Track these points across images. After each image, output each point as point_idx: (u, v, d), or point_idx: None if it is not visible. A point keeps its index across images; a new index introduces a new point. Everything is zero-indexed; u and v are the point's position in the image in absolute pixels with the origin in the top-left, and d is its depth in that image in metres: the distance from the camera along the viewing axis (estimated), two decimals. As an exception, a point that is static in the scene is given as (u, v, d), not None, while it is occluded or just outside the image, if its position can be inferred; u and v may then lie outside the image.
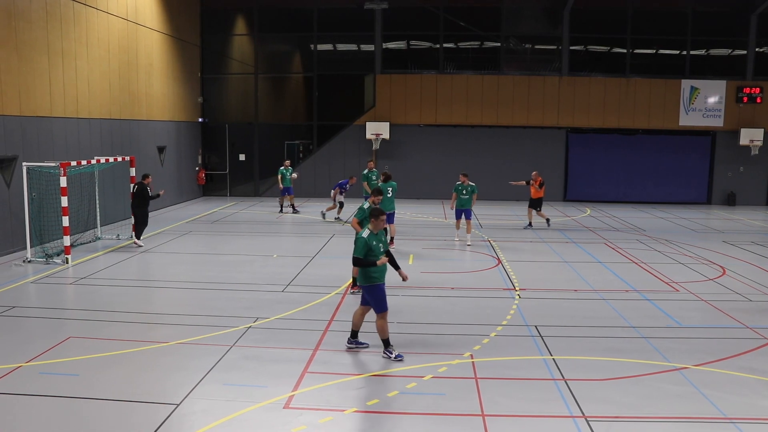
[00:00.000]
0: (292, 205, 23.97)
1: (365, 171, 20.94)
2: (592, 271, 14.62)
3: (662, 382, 8.19)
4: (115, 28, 20.91)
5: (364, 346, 9.25)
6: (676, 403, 7.60)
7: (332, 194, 21.62)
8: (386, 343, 8.95)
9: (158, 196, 17.81)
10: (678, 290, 13.01)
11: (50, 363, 8.63)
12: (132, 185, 17.55)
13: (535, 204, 20.72)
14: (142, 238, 17.20)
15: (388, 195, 16.63)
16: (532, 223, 20.74)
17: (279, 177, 23.55)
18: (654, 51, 29.51)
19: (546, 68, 28.79)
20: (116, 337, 9.75)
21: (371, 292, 8.91)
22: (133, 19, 22.05)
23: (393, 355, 8.85)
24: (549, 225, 20.80)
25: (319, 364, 8.69)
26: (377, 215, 9.02)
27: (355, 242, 8.96)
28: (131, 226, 18.08)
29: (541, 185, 20.60)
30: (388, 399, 7.61)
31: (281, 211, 24.00)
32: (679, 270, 14.90)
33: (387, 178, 17.13)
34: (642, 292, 12.77)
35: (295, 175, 23.67)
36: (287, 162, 24.28)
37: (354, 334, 9.29)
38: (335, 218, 21.77)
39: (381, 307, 8.89)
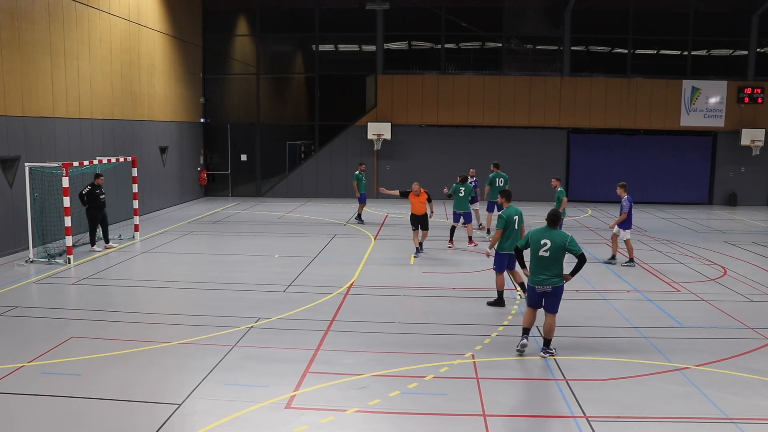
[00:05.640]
0: (359, 214, 21.91)
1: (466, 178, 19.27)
2: (593, 271, 14.62)
3: (663, 382, 8.20)
4: (117, 28, 20.94)
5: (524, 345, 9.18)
6: (677, 403, 7.61)
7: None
8: (549, 343, 9.14)
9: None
10: (679, 290, 13.02)
11: (52, 363, 8.66)
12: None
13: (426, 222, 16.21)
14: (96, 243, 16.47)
15: (460, 195, 17.44)
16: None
17: (355, 183, 21.57)
18: (655, 51, 29.52)
19: (547, 69, 28.79)
20: (118, 337, 9.78)
21: (561, 292, 9.05)
22: (135, 20, 22.08)
23: (554, 350, 9.12)
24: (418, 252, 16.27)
25: (320, 364, 8.71)
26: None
27: (572, 242, 8.94)
28: (134, 227, 18.21)
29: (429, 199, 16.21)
30: (389, 399, 7.63)
31: (359, 220, 21.74)
32: (681, 270, 14.91)
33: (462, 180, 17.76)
34: (643, 292, 12.78)
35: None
36: (362, 166, 22.17)
37: (526, 331, 9.25)
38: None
39: (558, 308, 9.09)
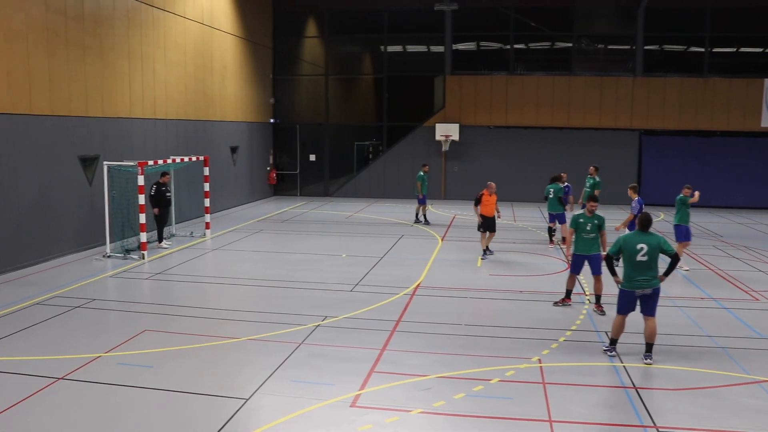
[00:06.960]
0: (425, 215, 21.69)
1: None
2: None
3: (740, 395, 7.88)
4: (192, 32, 21.54)
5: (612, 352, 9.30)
6: (755, 417, 7.29)
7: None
8: (651, 347, 9.12)
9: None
10: (758, 299, 12.48)
11: (127, 354, 8.97)
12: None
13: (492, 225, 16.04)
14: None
15: (550, 196, 17.37)
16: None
17: (419, 184, 21.09)
18: (734, 49, 28.40)
19: (619, 69, 28.11)
20: (188, 331, 10.05)
21: (659, 293, 9.19)
22: (208, 23, 22.65)
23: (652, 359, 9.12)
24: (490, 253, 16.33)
25: (386, 364, 8.73)
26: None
27: (665, 243, 9.17)
28: (205, 224, 18.61)
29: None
30: (454, 401, 7.58)
31: (418, 221, 21.68)
32: (759, 278, 14.30)
33: (553, 180, 17.71)
34: (718, 300, 12.32)
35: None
36: (426, 167, 21.69)
37: (614, 342, 9.35)
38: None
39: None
